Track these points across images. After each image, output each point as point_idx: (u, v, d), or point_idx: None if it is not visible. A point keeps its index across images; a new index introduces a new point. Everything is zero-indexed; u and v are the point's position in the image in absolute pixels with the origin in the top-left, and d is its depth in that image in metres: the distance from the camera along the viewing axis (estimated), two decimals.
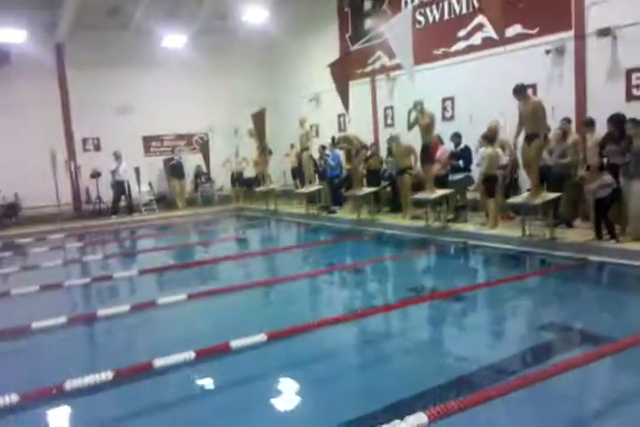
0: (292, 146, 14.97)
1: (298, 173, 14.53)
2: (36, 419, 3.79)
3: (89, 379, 3.95)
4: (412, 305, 5.84)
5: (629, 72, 8.68)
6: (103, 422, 3.77)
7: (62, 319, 5.47)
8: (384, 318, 5.59)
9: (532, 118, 7.83)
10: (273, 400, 3.89)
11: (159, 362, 4.14)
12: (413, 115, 9.63)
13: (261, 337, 4.56)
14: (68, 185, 14.91)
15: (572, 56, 9.53)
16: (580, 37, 9.33)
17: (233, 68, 17.00)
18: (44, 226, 13.12)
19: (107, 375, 3.99)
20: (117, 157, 14.74)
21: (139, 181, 15.43)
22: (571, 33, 9.48)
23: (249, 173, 16.12)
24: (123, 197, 14.89)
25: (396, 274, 7.91)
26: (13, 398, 3.68)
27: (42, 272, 8.39)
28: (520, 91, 7.95)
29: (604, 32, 8.81)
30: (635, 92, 8.63)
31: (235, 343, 4.44)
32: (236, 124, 15.43)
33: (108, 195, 14.97)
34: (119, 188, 14.76)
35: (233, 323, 5.52)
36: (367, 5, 14.03)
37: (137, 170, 15.38)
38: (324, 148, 13.83)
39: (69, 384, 3.86)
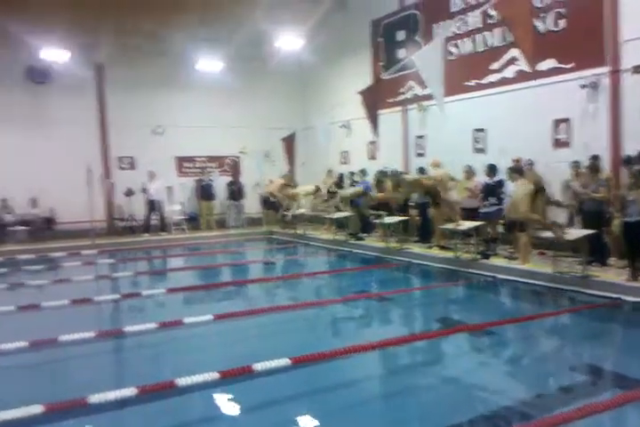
0: (330, 171, 15.15)
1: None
2: None
3: (112, 394, 4.01)
4: (439, 337, 5.77)
5: None
6: None
7: (90, 334, 5.58)
8: (410, 349, 5.53)
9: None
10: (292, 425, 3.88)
11: (182, 381, 4.18)
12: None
13: (285, 362, 4.57)
14: (102, 202, 15.27)
15: (606, 92, 9.50)
16: (616, 73, 9.32)
17: (265, 93, 17.36)
18: (77, 241, 13.44)
19: (131, 391, 4.04)
20: (151, 176, 15.11)
21: (170, 200, 15.71)
22: (606, 69, 9.47)
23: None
24: (155, 216, 15.18)
25: (424, 304, 7.84)
26: (38, 409, 3.76)
27: (73, 286, 8.58)
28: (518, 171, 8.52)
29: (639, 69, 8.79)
30: None
31: (258, 366, 4.46)
32: (266, 148, 15.67)
33: (140, 212, 15.29)
34: (151, 206, 15.08)
35: (257, 346, 5.53)
36: (400, 36, 14.26)
37: (169, 189, 15.68)
38: (352, 174, 13.93)
39: (93, 398, 3.92)
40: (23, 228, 13.98)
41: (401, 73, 12.32)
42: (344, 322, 7.05)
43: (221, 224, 16.50)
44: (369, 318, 7.18)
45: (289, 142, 13.59)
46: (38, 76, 14.72)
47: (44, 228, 14.46)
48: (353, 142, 15.80)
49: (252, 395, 4.35)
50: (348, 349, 5.00)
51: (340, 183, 14.04)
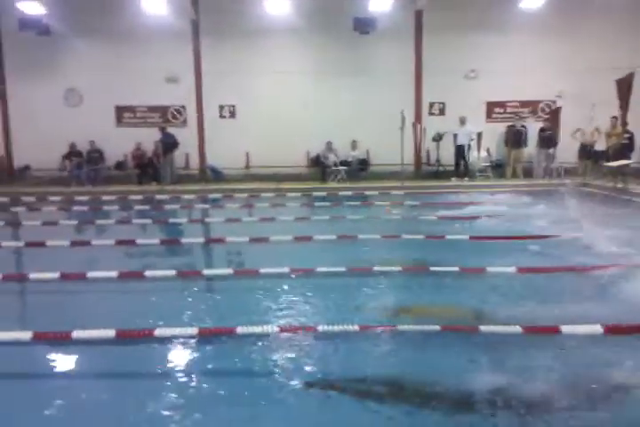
0: None
1: None
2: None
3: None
4: None
5: None
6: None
7: (397, 268, 6.07)
8: None
9: None
10: None
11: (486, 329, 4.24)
12: None
13: None
14: (412, 146, 15.94)
15: None
16: None
17: (593, 30, 15.48)
18: (387, 182, 14.47)
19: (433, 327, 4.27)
20: (462, 121, 15.15)
21: (478, 146, 15.57)
22: None
23: (601, 145, 14.63)
24: (462, 161, 15.30)
25: None
26: (354, 328, 4.26)
27: (382, 223, 9.58)
28: None
29: None
30: None
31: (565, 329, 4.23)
32: (591, 91, 14.04)
33: (447, 158, 15.57)
34: (458, 152, 15.20)
35: None
36: None
37: (478, 135, 15.51)
38: None
39: (402, 327, 4.27)
40: (343, 168, 15.62)
41: None
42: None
43: (529, 173, 15.69)
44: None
45: (624, 84, 11.95)
46: (364, 26, 15.71)
47: (359, 168, 15.90)
48: None
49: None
50: None
51: None
